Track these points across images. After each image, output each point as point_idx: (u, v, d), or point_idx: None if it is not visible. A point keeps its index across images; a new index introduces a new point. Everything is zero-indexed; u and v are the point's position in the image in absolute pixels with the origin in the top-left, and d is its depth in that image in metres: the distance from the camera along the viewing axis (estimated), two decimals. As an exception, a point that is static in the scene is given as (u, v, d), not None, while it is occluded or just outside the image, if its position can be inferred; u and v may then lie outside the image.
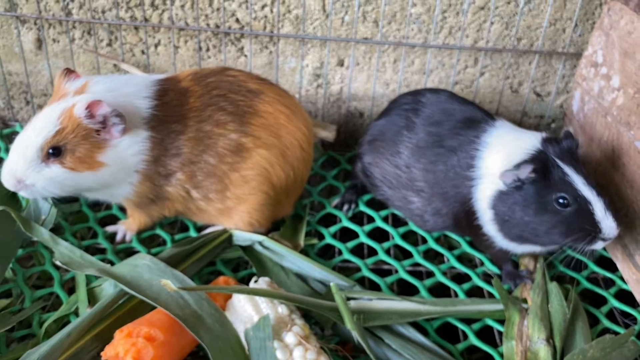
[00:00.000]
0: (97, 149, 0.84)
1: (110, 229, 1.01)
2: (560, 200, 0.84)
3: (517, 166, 0.84)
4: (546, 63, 1.22)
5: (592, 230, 0.84)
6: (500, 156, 0.89)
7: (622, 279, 0.97)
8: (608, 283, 1.00)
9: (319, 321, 0.86)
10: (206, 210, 0.95)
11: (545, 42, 1.19)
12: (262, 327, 0.74)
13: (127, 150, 0.85)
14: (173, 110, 0.88)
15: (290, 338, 0.74)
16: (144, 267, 0.86)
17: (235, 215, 0.95)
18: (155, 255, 0.90)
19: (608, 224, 0.84)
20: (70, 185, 0.86)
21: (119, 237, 1.00)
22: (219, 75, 0.93)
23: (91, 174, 0.85)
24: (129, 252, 0.97)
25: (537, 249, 0.92)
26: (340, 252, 1.02)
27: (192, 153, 0.89)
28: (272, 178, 0.93)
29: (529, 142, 0.88)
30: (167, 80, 0.92)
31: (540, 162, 0.85)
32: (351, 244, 1.03)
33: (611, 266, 1.00)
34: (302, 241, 1.01)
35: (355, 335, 0.77)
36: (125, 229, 1.00)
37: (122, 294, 0.83)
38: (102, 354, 0.74)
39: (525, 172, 0.84)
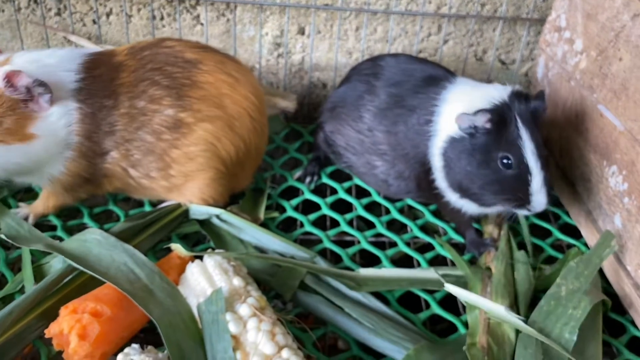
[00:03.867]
0: (26, 120, 0.80)
1: (13, 212, 0.94)
2: (504, 161, 0.83)
3: (475, 112, 0.82)
4: (510, 29, 1.20)
5: (523, 199, 0.84)
6: (461, 104, 0.86)
7: (586, 245, 0.96)
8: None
9: (280, 292, 0.83)
10: (151, 188, 0.91)
11: (509, 8, 1.17)
12: (214, 301, 0.70)
13: (59, 121, 0.82)
14: (104, 85, 0.84)
15: (244, 310, 0.71)
16: (93, 241, 0.83)
17: (185, 191, 0.91)
18: (107, 230, 0.86)
19: (538, 199, 0.83)
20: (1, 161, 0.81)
21: None
22: (155, 47, 0.88)
23: (22, 147, 0.80)
24: (83, 229, 0.93)
25: (474, 206, 0.90)
26: (302, 225, 0.99)
27: (127, 130, 0.85)
28: (220, 152, 0.88)
29: (496, 93, 0.85)
30: (100, 54, 0.88)
31: (499, 115, 0.82)
32: (313, 216, 1.00)
33: (575, 233, 1.00)
34: (262, 214, 0.98)
35: None
36: (27, 212, 0.93)
37: (70, 270, 0.80)
38: (45, 331, 0.71)
39: (482, 120, 0.81)
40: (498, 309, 0.76)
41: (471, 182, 0.86)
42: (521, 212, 0.86)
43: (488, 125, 0.82)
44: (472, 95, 0.87)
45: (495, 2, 1.16)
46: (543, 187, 0.83)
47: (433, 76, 0.94)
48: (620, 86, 0.86)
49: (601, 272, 0.90)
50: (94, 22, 1.16)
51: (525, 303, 0.83)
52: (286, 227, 1.02)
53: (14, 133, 0.79)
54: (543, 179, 0.82)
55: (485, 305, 0.78)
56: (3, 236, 0.83)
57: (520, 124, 0.82)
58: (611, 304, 0.84)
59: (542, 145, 0.84)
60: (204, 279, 0.76)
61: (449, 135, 0.86)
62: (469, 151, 0.84)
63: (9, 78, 0.77)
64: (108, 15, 1.16)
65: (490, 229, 0.96)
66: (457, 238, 0.98)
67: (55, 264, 0.84)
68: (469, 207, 0.91)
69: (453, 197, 0.91)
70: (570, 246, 0.98)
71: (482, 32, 1.20)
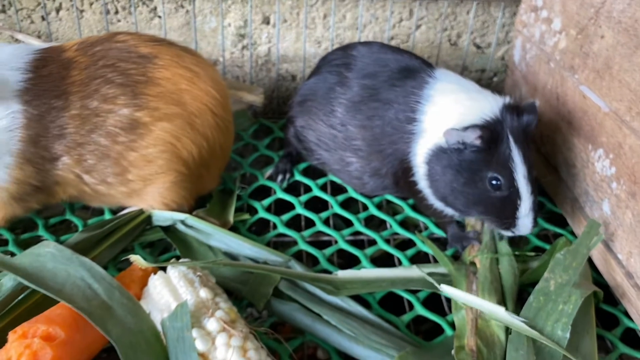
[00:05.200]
0: None
1: None
2: (494, 182, 0.78)
3: (466, 128, 0.77)
4: (485, 12, 1.15)
5: (509, 221, 0.80)
6: (449, 114, 0.82)
7: (573, 234, 0.92)
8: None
9: (252, 302, 0.78)
10: (108, 194, 0.84)
11: (483, -11, 1.12)
12: (179, 316, 0.64)
13: None
14: (53, 84, 0.77)
15: (212, 324, 0.65)
16: (47, 255, 0.75)
17: (146, 196, 0.84)
18: (63, 243, 0.80)
19: (525, 223, 0.80)
20: None
21: None
22: (107, 42, 0.81)
23: None
24: (38, 242, 0.86)
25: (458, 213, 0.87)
26: (275, 227, 0.93)
27: (79, 133, 0.78)
28: (180, 153, 0.82)
29: (488, 105, 0.80)
30: (50, 50, 0.81)
31: (490, 133, 0.77)
32: (286, 216, 0.95)
33: (561, 221, 0.95)
34: (231, 217, 0.92)
35: None
36: None
37: (21, 289, 0.73)
38: (-9, 360, 0.64)
39: (472, 137, 0.77)
40: (498, 311, 0.72)
41: (456, 199, 0.82)
42: (506, 234, 0.82)
43: (478, 142, 0.77)
44: (462, 104, 0.82)
45: (468, -16, 1.11)
46: (531, 212, 0.79)
47: (409, 67, 0.89)
48: (603, 65, 0.81)
49: (590, 261, 0.86)
50: (43, 18, 1.08)
51: (512, 298, 0.78)
52: (259, 230, 0.96)
53: None
54: (532, 203, 0.79)
55: (484, 307, 0.73)
56: None
57: (512, 144, 0.78)
58: (603, 295, 0.80)
59: (533, 166, 0.80)
60: (167, 291, 0.70)
61: (437, 143, 0.81)
62: (455, 166, 0.80)
63: None
64: (58, 10, 1.08)
65: (472, 222, 0.92)
66: (439, 232, 0.93)
67: (6, 282, 0.76)
68: (452, 212, 0.86)
69: (436, 203, 0.86)
70: (556, 235, 0.94)
71: (456, 16, 1.15)
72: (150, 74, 0.79)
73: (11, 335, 0.64)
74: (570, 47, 0.89)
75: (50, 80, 0.77)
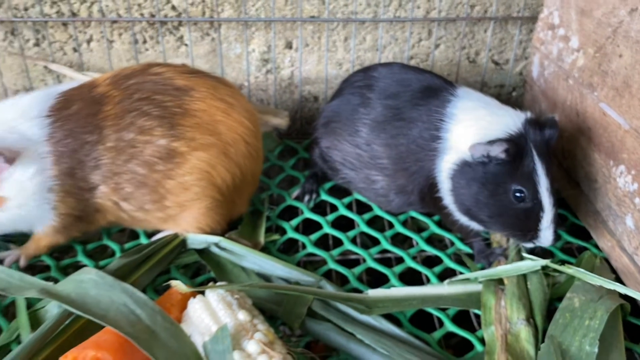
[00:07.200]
0: None
1: (2, 256, 0.90)
2: (518, 194, 0.81)
3: (491, 142, 0.80)
4: (502, 29, 1.17)
5: (532, 234, 0.82)
6: (474, 129, 0.84)
7: (597, 247, 0.94)
8: (583, 252, 0.96)
9: (287, 322, 0.80)
10: (145, 219, 0.88)
11: (499, 8, 1.14)
12: (220, 339, 0.67)
13: (24, 174, 0.79)
14: (84, 121, 0.81)
15: (252, 346, 0.67)
16: (90, 282, 0.79)
17: (181, 221, 0.88)
18: (103, 267, 0.83)
19: (547, 235, 0.82)
20: None
21: (6, 263, 0.88)
22: (142, 75, 0.84)
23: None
24: (77, 268, 0.89)
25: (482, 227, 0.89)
26: (304, 246, 0.96)
27: (115, 164, 0.82)
28: (215, 180, 0.85)
29: (511, 121, 0.83)
30: (75, 90, 0.85)
31: (516, 146, 0.80)
32: (315, 236, 0.97)
33: (585, 234, 0.97)
34: (262, 238, 0.95)
35: None
36: (19, 254, 0.89)
37: (67, 315, 0.76)
38: (45, 384, 0.67)
39: (498, 150, 0.79)
40: None
41: (480, 211, 0.84)
42: (527, 245, 0.85)
43: (503, 156, 0.80)
44: (485, 120, 0.84)
45: (485, 3, 1.14)
46: (552, 224, 0.81)
47: (431, 86, 0.91)
48: (622, 84, 0.83)
49: (616, 275, 0.88)
50: (75, 50, 1.13)
51: (542, 314, 0.80)
52: (288, 248, 0.99)
53: None
54: (553, 216, 0.81)
55: None
56: None
57: (536, 157, 0.80)
58: (630, 308, 0.81)
59: (554, 180, 0.82)
60: (207, 315, 0.72)
61: (461, 158, 0.84)
62: (480, 179, 0.82)
63: None
64: (89, 42, 1.12)
65: (498, 237, 0.94)
66: (465, 248, 0.95)
67: (52, 308, 0.80)
68: (478, 226, 0.89)
69: (462, 218, 0.88)
70: (580, 249, 0.96)
71: (474, 34, 1.17)
72: (186, 106, 0.83)
73: (62, 360, 0.68)
74: (589, 65, 0.92)
75: (78, 119, 0.82)
